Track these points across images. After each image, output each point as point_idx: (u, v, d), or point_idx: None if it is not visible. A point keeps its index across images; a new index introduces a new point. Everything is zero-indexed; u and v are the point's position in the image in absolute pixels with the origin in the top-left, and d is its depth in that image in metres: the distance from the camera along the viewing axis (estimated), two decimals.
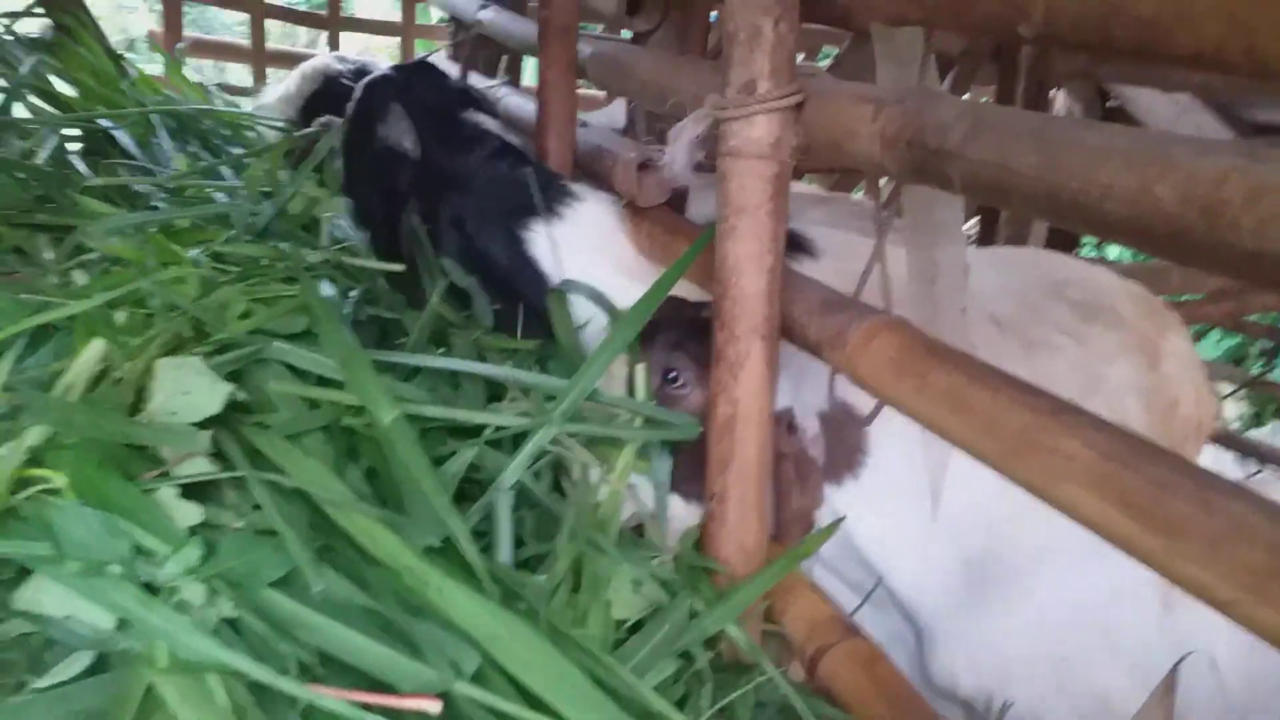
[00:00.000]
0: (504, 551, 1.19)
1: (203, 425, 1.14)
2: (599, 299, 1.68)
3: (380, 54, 5.37)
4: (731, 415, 1.28)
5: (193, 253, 1.61)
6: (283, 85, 2.91)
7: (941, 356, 1.07)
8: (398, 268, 1.79)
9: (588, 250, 1.81)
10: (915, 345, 1.12)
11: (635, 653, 1.11)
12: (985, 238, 3.00)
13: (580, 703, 0.91)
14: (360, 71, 2.59)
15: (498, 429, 1.33)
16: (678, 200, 1.86)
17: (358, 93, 2.06)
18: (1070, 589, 1.36)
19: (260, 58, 4.06)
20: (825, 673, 1.24)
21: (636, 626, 1.18)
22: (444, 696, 0.92)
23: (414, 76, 2.05)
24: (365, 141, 1.95)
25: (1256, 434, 4.60)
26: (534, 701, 0.94)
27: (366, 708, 0.90)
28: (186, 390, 1.13)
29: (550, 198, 1.82)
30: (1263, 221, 0.68)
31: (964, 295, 1.37)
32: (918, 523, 1.45)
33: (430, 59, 2.36)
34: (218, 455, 1.16)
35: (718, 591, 1.26)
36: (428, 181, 1.86)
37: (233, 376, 1.29)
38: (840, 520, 1.37)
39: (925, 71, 1.19)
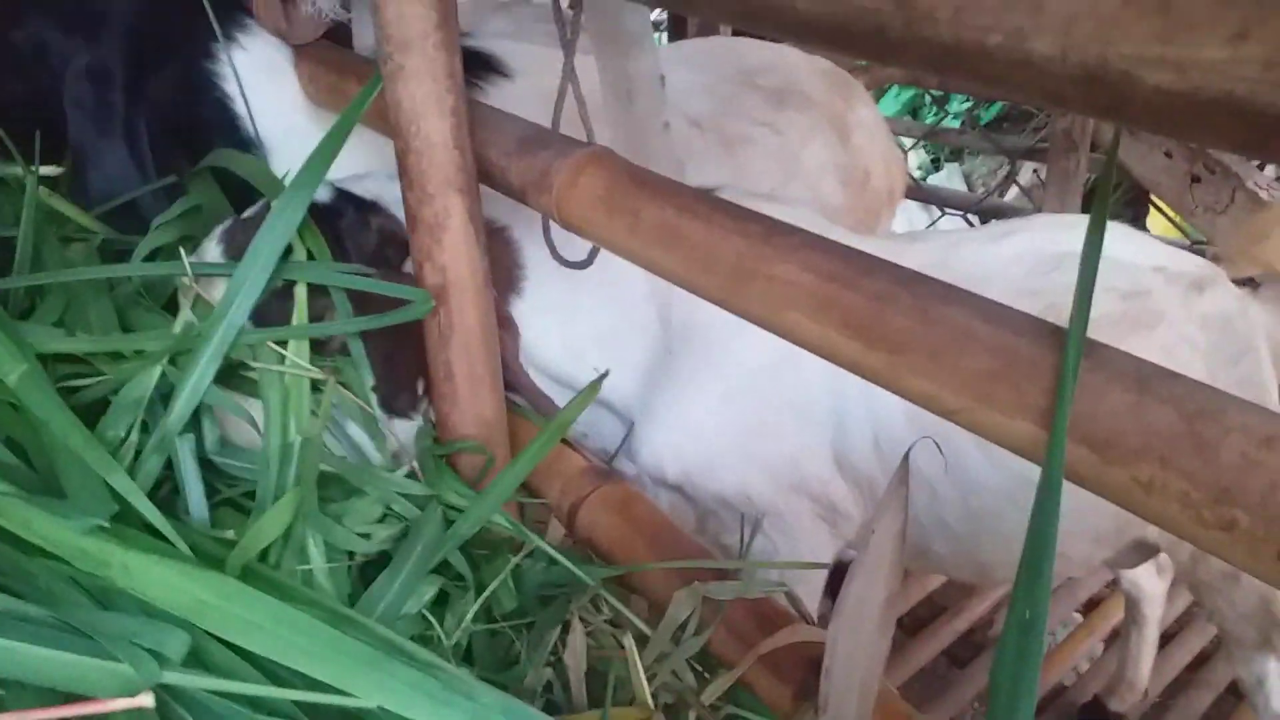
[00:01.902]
0: (195, 504, 1.01)
1: None
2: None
3: None
4: (441, 284, 1.15)
5: None
6: None
7: (652, 189, 0.99)
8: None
9: (276, 83, 1.54)
10: (624, 179, 1.02)
11: (385, 587, 1.00)
12: (676, 37, 2.92)
13: (320, 652, 0.81)
14: None
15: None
16: (342, 31, 1.61)
17: None
18: (748, 355, 1.39)
19: None
20: (584, 524, 1.21)
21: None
22: (159, 689, 0.79)
23: None
24: None
25: (935, 180, 5.06)
26: (274, 665, 0.82)
27: None
28: None
29: (228, 22, 1.51)
30: (959, 10, 0.62)
31: (663, 109, 1.29)
32: (595, 320, 1.43)
33: None
34: None
35: (471, 485, 1.16)
36: (77, 10, 1.43)
37: None
38: (603, 376, 1.31)
39: None
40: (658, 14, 3.06)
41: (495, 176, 1.17)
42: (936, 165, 5.29)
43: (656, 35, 2.88)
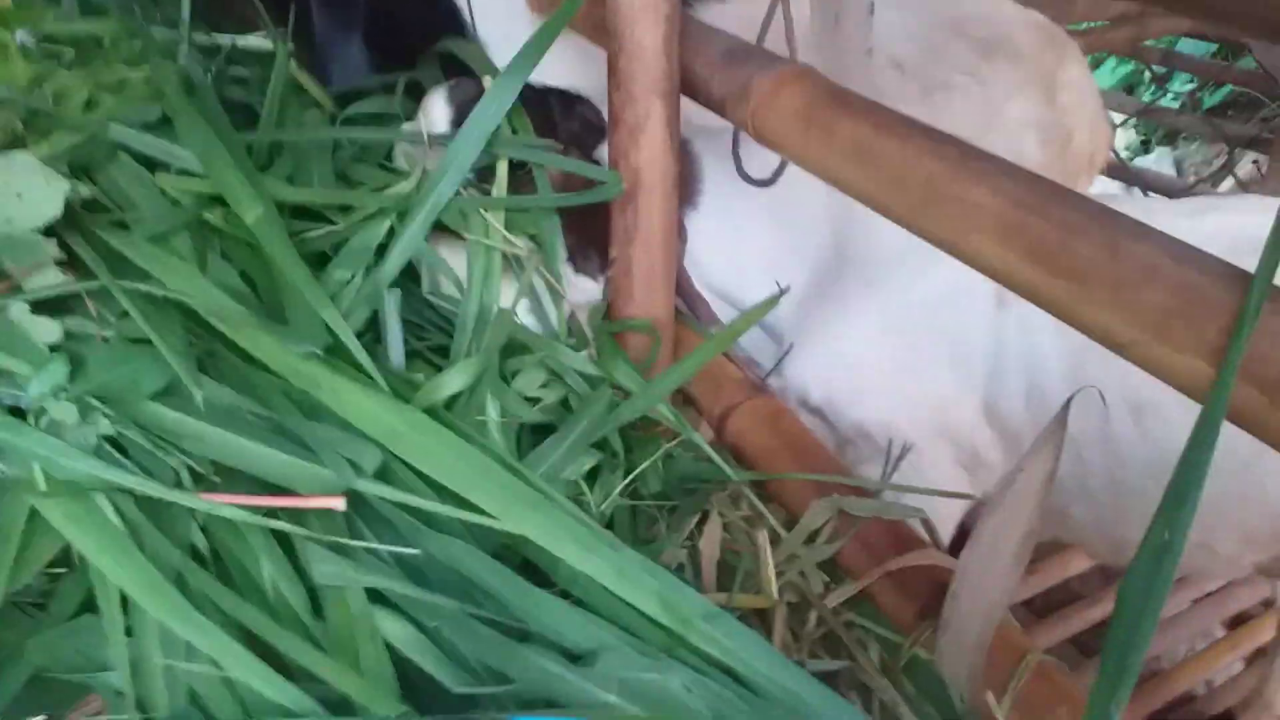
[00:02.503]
0: (395, 352, 1.12)
1: (48, 230, 1.03)
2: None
3: None
4: (634, 184, 1.21)
5: (18, 35, 1.39)
6: None
7: (851, 107, 1.01)
8: (261, 44, 1.56)
9: None
10: (822, 96, 1.05)
11: (550, 451, 1.09)
12: None
13: (489, 487, 0.90)
14: None
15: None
16: None
17: None
18: (912, 291, 1.37)
19: None
20: (732, 431, 1.26)
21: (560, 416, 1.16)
22: (349, 495, 0.90)
23: None
24: None
25: (1142, 162, 4.74)
26: (445, 494, 0.92)
27: (269, 513, 0.87)
28: (19, 191, 1.00)
29: None
30: None
31: (869, 36, 1.29)
32: (763, 241, 1.44)
33: None
34: (72, 261, 1.06)
35: (635, 371, 1.24)
36: None
37: (78, 173, 1.16)
38: (783, 292, 1.35)
39: None
40: None
41: (698, 87, 1.21)
42: (1147, 148, 4.94)
43: None
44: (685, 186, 1.46)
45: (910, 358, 1.39)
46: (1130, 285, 0.72)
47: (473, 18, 1.64)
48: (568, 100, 1.33)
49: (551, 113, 1.29)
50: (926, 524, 1.09)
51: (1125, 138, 4.77)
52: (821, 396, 1.42)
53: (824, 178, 1.04)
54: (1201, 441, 0.63)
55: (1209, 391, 0.64)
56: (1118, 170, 3.51)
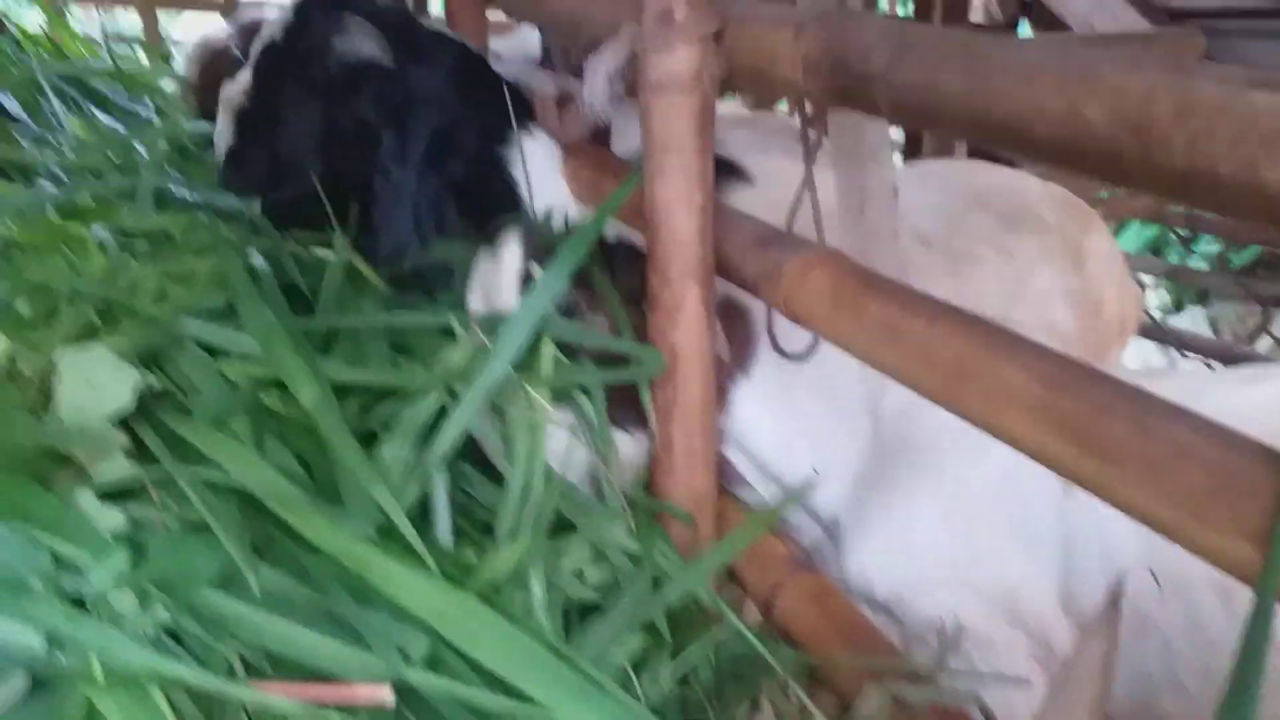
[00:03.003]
0: (443, 529, 1.15)
1: (117, 418, 1.09)
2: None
3: None
4: (672, 362, 1.26)
5: (97, 230, 1.51)
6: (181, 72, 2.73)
7: (877, 288, 1.06)
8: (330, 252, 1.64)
9: (547, 174, 1.73)
10: (850, 278, 1.10)
11: (597, 633, 1.08)
12: (911, 155, 2.99)
13: (540, 675, 0.90)
14: (247, 30, 2.41)
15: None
16: (601, 134, 1.81)
17: (280, 24, 1.78)
18: (974, 472, 1.34)
19: (149, 3, 3.82)
20: (780, 611, 1.24)
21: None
22: (398, 683, 0.90)
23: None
24: (300, 71, 1.72)
25: (1176, 321, 4.76)
26: (494, 681, 0.92)
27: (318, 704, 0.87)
28: (94, 383, 1.07)
29: (520, 117, 1.73)
30: (1193, 138, 0.66)
31: (895, 219, 1.36)
32: (811, 417, 1.44)
33: None
34: (138, 447, 1.11)
35: (677, 551, 1.24)
36: (396, 95, 1.68)
37: (147, 361, 1.23)
38: (817, 476, 1.35)
39: None
40: (895, 133, 3.16)
41: (731, 269, 1.28)
42: (1179, 307, 4.98)
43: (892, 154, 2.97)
44: (741, 352, 1.47)
45: (976, 545, 1.33)
46: (1164, 465, 0.73)
47: (530, 192, 1.75)
48: (632, 255, 1.38)
49: (614, 265, 1.35)
50: (985, 711, 1.05)
51: (1157, 298, 4.81)
52: (887, 591, 1.37)
53: (856, 355, 1.08)
54: (1258, 629, 0.63)
55: (1259, 577, 0.64)
56: (1153, 330, 3.53)
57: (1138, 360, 4.10)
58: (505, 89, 1.70)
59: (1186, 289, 4.85)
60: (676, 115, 1.15)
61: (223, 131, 1.82)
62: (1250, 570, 0.67)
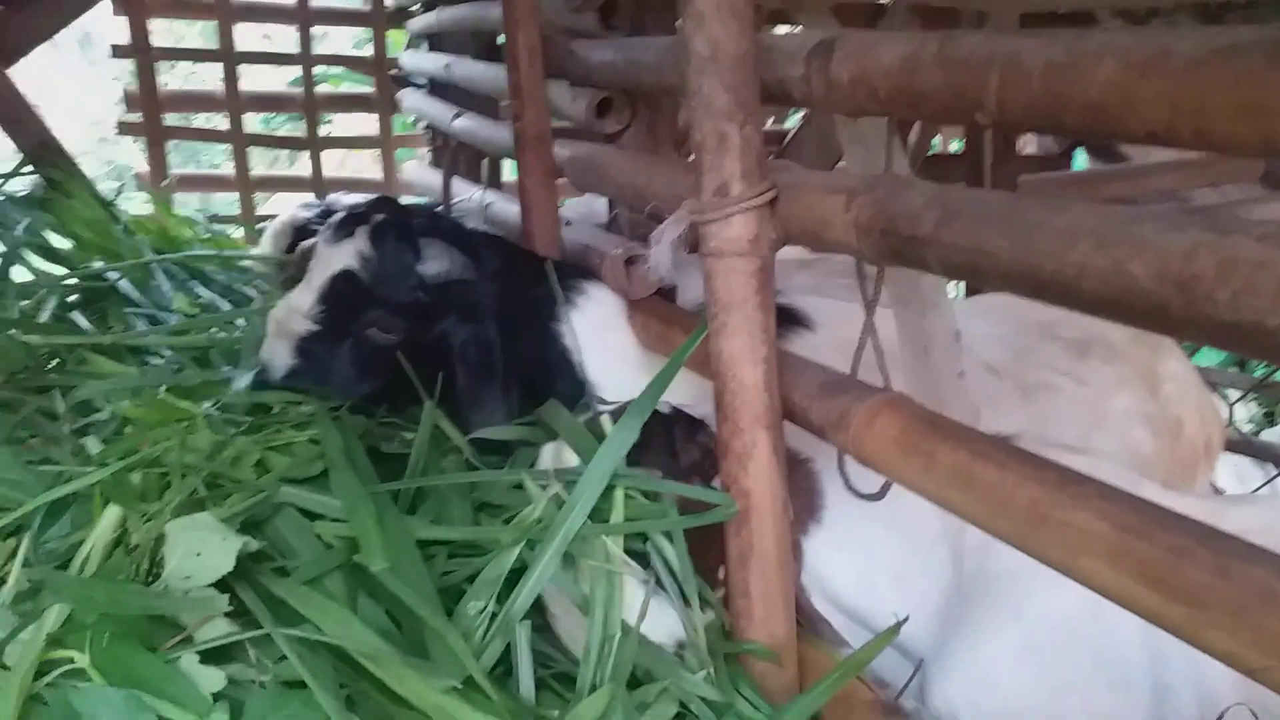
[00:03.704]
0: (525, 685, 1.17)
1: (220, 582, 1.15)
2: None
3: (359, 169, 5.49)
4: (746, 508, 1.29)
5: (204, 406, 1.63)
6: (261, 248, 2.93)
7: (946, 433, 1.08)
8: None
9: (604, 336, 1.86)
10: (918, 423, 1.13)
11: None
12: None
13: None
14: (326, 213, 2.59)
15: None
16: (667, 290, 1.90)
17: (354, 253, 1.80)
18: (1055, 606, 1.32)
19: (246, 186, 4.15)
20: None
21: None
22: None
23: (396, 211, 1.95)
24: (388, 295, 1.79)
25: (1270, 435, 4.58)
26: None
27: None
28: (198, 551, 1.14)
29: (570, 289, 1.89)
30: (1236, 294, 0.69)
31: (959, 360, 1.39)
32: (889, 556, 1.43)
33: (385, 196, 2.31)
34: (237, 607, 1.17)
35: (760, 699, 1.23)
36: (472, 297, 1.82)
37: (249, 526, 1.31)
38: (903, 621, 1.35)
39: (892, 155, 1.22)
40: None
41: (798, 415, 1.31)
42: (1271, 420, 4.80)
43: (953, 289, 3.00)
44: (808, 503, 1.50)
45: (1061, 677, 1.31)
46: (1249, 610, 0.72)
47: (582, 361, 1.85)
48: (691, 427, 1.43)
49: (674, 440, 1.40)
50: None
51: (1246, 412, 4.65)
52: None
53: (928, 499, 1.09)
54: None
55: None
56: (1243, 445, 3.41)
57: (1233, 476, 3.94)
58: (551, 269, 1.88)
59: (1276, 402, 4.69)
60: (736, 277, 1.22)
61: (276, 351, 1.79)
62: None
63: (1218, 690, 1.21)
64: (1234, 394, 3.74)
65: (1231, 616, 0.73)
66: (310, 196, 4.27)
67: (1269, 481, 3.27)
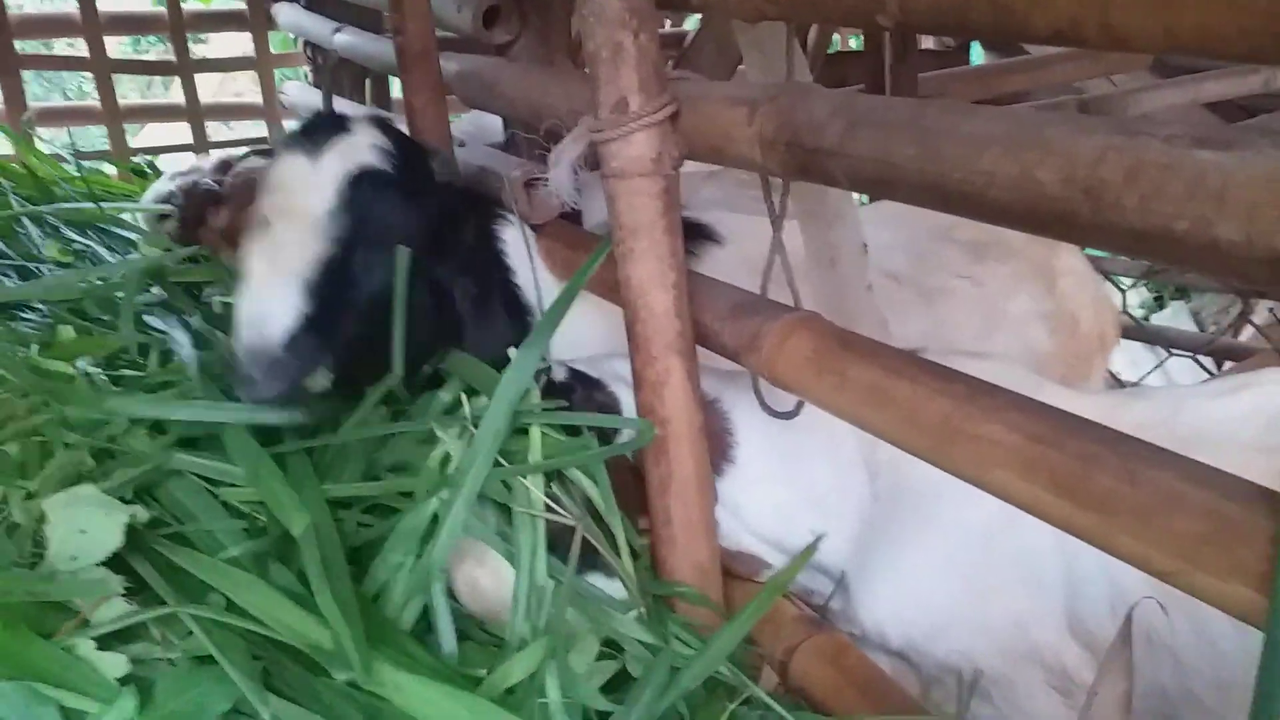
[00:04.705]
0: (447, 640, 1.14)
1: (116, 557, 1.08)
2: None
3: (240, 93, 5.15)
4: (664, 436, 1.26)
5: (82, 364, 1.51)
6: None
7: (858, 351, 1.07)
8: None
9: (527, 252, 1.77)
10: (830, 342, 1.11)
11: None
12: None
13: None
14: (222, 166, 2.38)
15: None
16: (571, 213, 1.83)
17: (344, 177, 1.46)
18: (973, 515, 1.34)
19: (114, 117, 3.86)
20: (797, 673, 1.24)
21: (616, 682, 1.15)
22: None
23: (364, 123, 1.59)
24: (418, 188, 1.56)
25: (1159, 319, 4.78)
26: None
27: None
28: (83, 528, 1.07)
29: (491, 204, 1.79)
30: (1144, 198, 0.68)
31: (866, 273, 1.38)
32: (806, 484, 1.44)
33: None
34: (137, 583, 1.11)
35: (687, 624, 1.23)
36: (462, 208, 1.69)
37: (140, 495, 1.23)
38: (819, 539, 1.36)
39: (793, 63, 1.17)
40: None
41: (710, 339, 1.29)
42: (1160, 303, 5.01)
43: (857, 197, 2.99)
44: (720, 442, 1.45)
45: (981, 584, 1.34)
46: (1157, 514, 0.73)
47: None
48: (588, 388, 1.39)
49: (573, 405, 1.35)
50: None
51: (1138, 297, 4.83)
52: (900, 638, 1.38)
53: (841, 418, 1.08)
54: (1271, 674, 0.63)
55: (1264, 619, 0.64)
56: (1136, 331, 3.55)
57: (1126, 361, 4.11)
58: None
59: (1166, 285, 4.88)
60: (641, 199, 1.17)
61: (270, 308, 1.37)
62: (1254, 611, 0.67)
63: (1127, 583, 1.26)
64: (1126, 281, 3.89)
65: (1140, 521, 0.74)
66: (185, 126, 4.03)
67: (1159, 365, 3.42)
